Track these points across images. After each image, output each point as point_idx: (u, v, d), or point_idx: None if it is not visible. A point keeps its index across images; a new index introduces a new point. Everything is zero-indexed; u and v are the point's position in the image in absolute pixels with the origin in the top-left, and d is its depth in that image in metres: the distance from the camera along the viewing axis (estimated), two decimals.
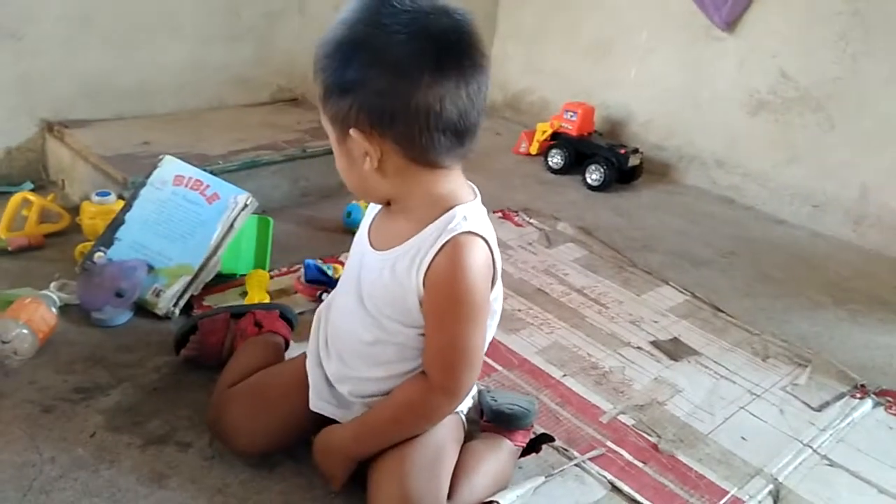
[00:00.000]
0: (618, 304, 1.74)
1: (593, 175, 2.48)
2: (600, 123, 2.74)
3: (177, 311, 1.45)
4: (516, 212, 2.18)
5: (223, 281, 1.56)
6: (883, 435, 1.38)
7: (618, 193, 2.47)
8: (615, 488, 1.15)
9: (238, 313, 1.33)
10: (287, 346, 1.31)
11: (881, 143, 2.18)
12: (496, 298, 1.01)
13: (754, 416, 1.38)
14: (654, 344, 1.58)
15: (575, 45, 2.90)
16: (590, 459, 1.20)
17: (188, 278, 1.46)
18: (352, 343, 1.04)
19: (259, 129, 2.16)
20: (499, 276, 0.98)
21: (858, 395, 1.47)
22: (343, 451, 1.03)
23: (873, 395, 1.48)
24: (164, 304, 1.44)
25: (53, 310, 1.33)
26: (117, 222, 1.54)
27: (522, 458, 1.17)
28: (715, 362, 1.54)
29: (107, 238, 1.52)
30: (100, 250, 1.50)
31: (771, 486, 1.20)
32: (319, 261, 1.63)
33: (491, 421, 1.15)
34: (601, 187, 2.46)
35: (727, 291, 1.87)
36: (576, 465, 1.19)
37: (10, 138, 1.98)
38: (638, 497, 1.13)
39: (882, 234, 2.22)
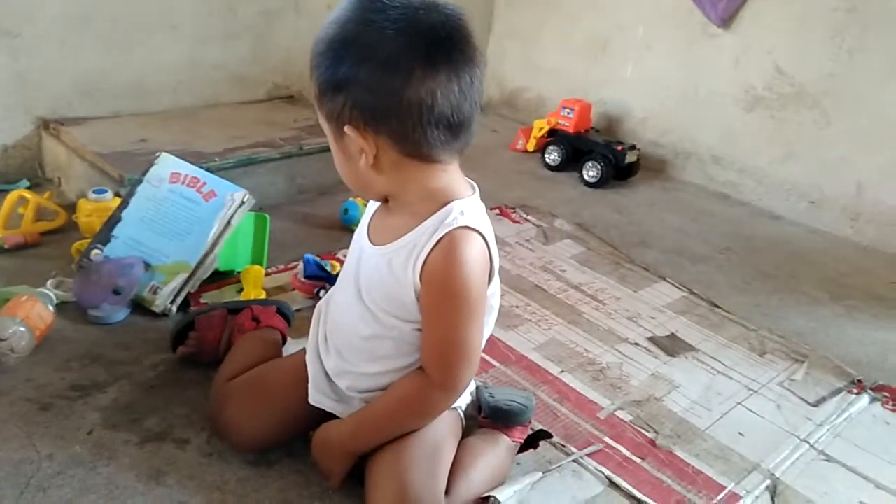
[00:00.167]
0: (615, 300, 1.74)
1: (590, 172, 2.48)
2: (597, 120, 2.74)
3: (174, 309, 1.45)
4: (513, 208, 2.19)
5: (220, 278, 1.56)
6: (879, 430, 1.38)
7: (615, 190, 2.47)
8: (613, 484, 1.15)
9: (235, 309, 1.33)
10: (284, 341, 1.31)
11: (877, 139, 2.18)
12: (493, 295, 1.01)
13: (751, 411, 1.38)
14: (652, 340, 1.59)
15: (571, 42, 2.90)
16: (587, 455, 1.20)
17: (185, 275, 1.46)
18: (350, 338, 1.04)
19: (256, 127, 2.16)
20: (496, 272, 0.98)
21: (855, 391, 1.48)
22: (341, 446, 1.03)
23: (870, 391, 1.48)
24: (161, 301, 1.44)
25: (50, 307, 1.33)
26: (114, 220, 1.54)
27: (520, 454, 1.17)
28: (712, 358, 1.54)
29: (103, 235, 1.52)
30: (96, 248, 1.50)
31: (768, 482, 1.20)
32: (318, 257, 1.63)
33: (489, 417, 1.15)
34: (598, 184, 2.46)
35: (724, 287, 1.87)
36: (573, 460, 1.19)
37: (7, 136, 1.97)
38: (635, 492, 1.13)
39: (878, 230, 2.23)
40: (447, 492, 0.98)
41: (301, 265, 1.58)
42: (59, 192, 1.94)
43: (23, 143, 2.00)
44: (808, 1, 2.25)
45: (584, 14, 2.85)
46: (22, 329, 1.24)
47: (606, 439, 1.25)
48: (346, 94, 0.87)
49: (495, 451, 1.10)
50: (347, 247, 1.75)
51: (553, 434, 1.22)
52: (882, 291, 1.95)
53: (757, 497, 1.17)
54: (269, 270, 1.63)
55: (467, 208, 0.94)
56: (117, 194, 1.67)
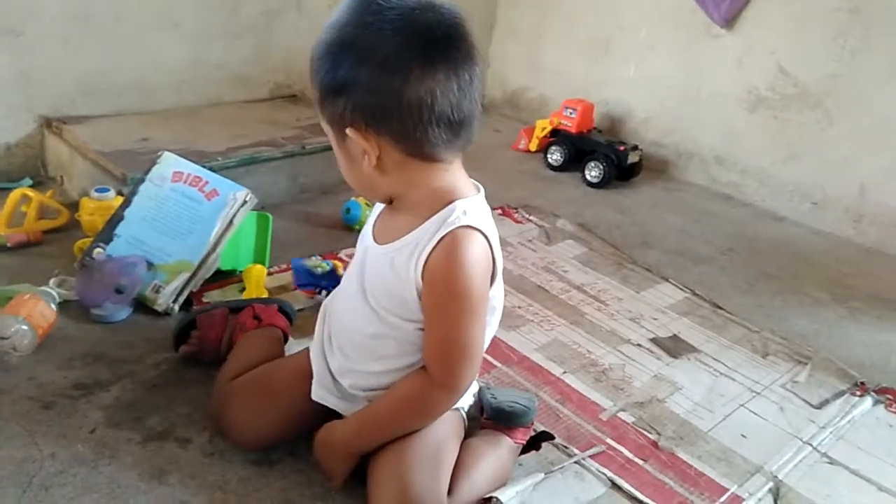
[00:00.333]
0: (617, 301, 1.74)
1: (593, 172, 2.47)
2: (600, 120, 2.74)
3: (176, 308, 1.44)
4: (516, 208, 2.18)
5: (222, 277, 1.56)
6: (883, 433, 1.38)
7: (617, 190, 2.47)
8: (615, 485, 1.15)
9: (236, 308, 1.33)
10: (286, 339, 1.31)
11: (880, 139, 2.18)
12: (496, 296, 1.01)
13: (754, 413, 1.38)
14: (654, 341, 1.58)
15: (574, 42, 2.90)
16: (590, 456, 1.20)
17: (187, 275, 1.46)
18: (354, 336, 1.04)
19: (258, 126, 2.16)
20: (499, 272, 0.98)
21: (858, 393, 1.48)
22: (343, 446, 1.03)
23: (873, 393, 1.48)
24: (163, 300, 1.44)
25: (53, 306, 1.33)
26: (116, 218, 1.53)
27: (522, 456, 1.17)
28: (714, 359, 1.54)
29: (106, 234, 1.52)
30: (99, 246, 1.50)
31: (771, 484, 1.20)
32: (313, 258, 1.63)
33: (491, 418, 1.15)
34: (600, 184, 2.46)
35: (726, 288, 1.87)
36: (575, 462, 1.19)
37: (9, 134, 1.97)
38: (637, 494, 1.13)
39: (881, 232, 2.22)
40: (449, 492, 0.98)
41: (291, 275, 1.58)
42: (61, 190, 1.94)
43: (26, 142, 2.00)
44: (810, 1, 2.25)
45: (587, 14, 2.84)
46: (24, 327, 1.24)
47: (609, 441, 1.25)
48: (346, 97, 0.88)
49: (497, 452, 1.10)
50: (350, 246, 1.79)
51: (555, 435, 1.22)
52: (885, 293, 1.95)
53: (759, 499, 1.16)
54: (272, 270, 1.63)
55: (470, 208, 0.94)
56: (120, 193, 1.67)
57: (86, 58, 2.02)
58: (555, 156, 2.59)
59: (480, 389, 1.18)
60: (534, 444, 1.19)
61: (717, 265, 2.01)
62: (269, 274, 1.60)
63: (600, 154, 2.48)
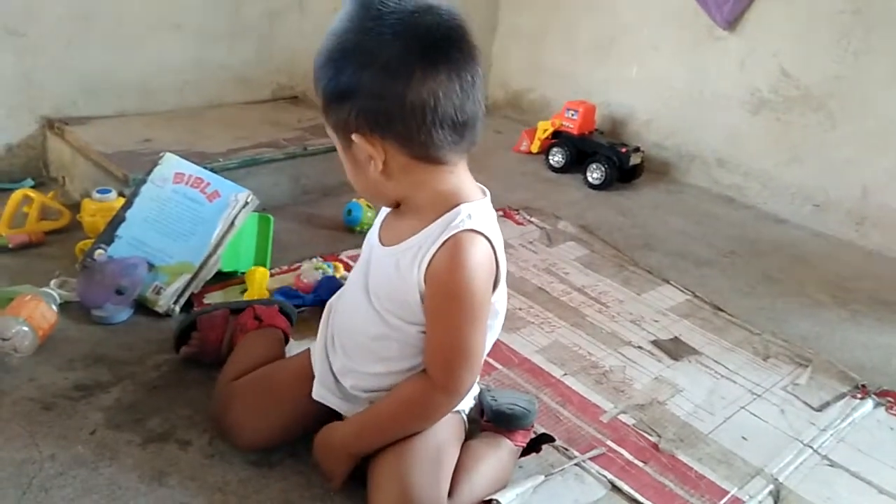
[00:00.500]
0: (618, 303, 1.74)
1: (594, 174, 2.47)
2: (601, 122, 2.74)
3: (177, 309, 1.45)
4: (517, 210, 2.18)
5: (224, 279, 1.56)
6: (884, 435, 1.37)
7: (619, 192, 2.47)
8: (615, 488, 1.15)
9: (237, 309, 1.33)
10: (287, 340, 1.31)
11: (883, 142, 2.18)
12: (499, 300, 1.01)
13: (755, 415, 1.38)
14: (655, 343, 1.58)
15: (576, 43, 2.90)
16: (590, 459, 1.20)
17: (189, 276, 1.46)
18: (356, 337, 1.05)
19: (259, 127, 2.16)
20: (503, 277, 0.98)
21: (859, 396, 1.47)
22: (343, 447, 1.03)
23: (874, 396, 1.48)
24: (164, 301, 1.44)
25: (54, 307, 1.33)
26: (118, 220, 1.54)
27: (522, 458, 1.17)
28: (715, 362, 1.54)
29: (107, 235, 1.52)
30: (100, 248, 1.50)
31: (771, 487, 1.20)
32: (314, 259, 1.63)
33: (491, 421, 1.15)
34: (602, 186, 2.46)
35: (728, 291, 1.86)
36: (576, 464, 1.18)
37: (11, 135, 1.98)
38: (638, 497, 1.13)
39: (883, 235, 2.22)
40: (449, 494, 0.98)
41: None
42: (63, 191, 1.94)
43: (27, 143, 2.01)
44: (813, 3, 2.25)
45: (589, 15, 2.84)
46: (25, 329, 1.24)
47: (609, 443, 1.25)
48: (350, 103, 0.88)
49: (498, 454, 1.10)
50: (351, 248, 1.79)
51: (556, 438, 1.22)
52: (887, 296, 1.94)
53: (760, 502, 1.16)
54: (273, 271, 1.63)
55: (475, 212, 0.94)
56: (121, 194, 1.67)
57: (88, 58, 2.03)
58: (556, 157, 2.59)
59: (481, 392, 1.18)
60: (534, 446, 1.19)
61: (719, 267, 2.00)
62: (271, 275, 1.60)
63: (602, 156, 2.47)
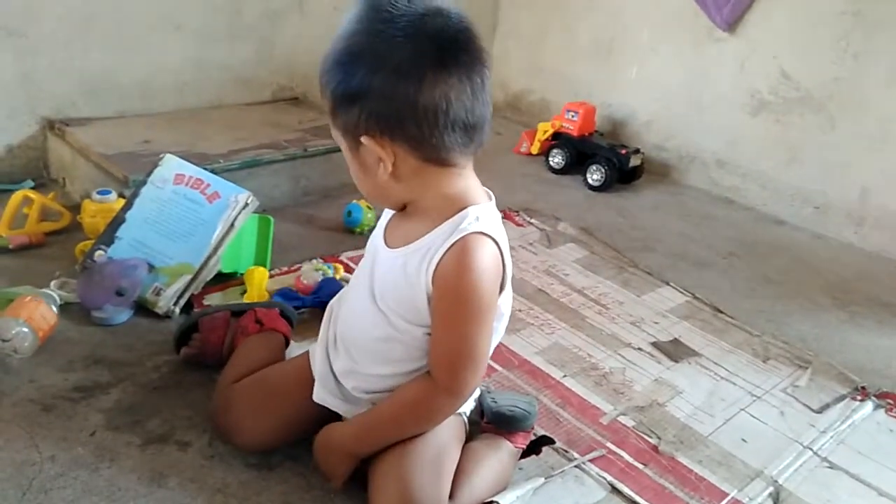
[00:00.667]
0: (618, 304, 1.74)
1: (594, 175, 2.47)
2: (601, 123, 2.74)
3: (177, 310, 1.45)
4: (517, 212, 2.18)
5: (223, 280, 1.56)
6: (883, 438, 1.37)
7: (618, 194, 2.47)
8: (615, 490, 1.15)
9: (238, 311, 1.33)
10: (287, 344, 1.31)
11: (882, 144, 2.18)
12: (504, 302, 1.01)
13: (754, 417, 1.38)
14: (655, 345, 1.58)
15: (576, 45, 2.90)
16: (590, 461, 1.20)
17: (188, 277, 1.46)
18: (361, 339, 1.05)
19: (260, 128, 2.16)
20: (509, 280, 0.99)
21: (859, 398, 1.47)
22: (344, 448, 1.03)
23: (874, 398, 1.48)
24: (164, 303, 1.44)
25: (54, 308, 1.33)
26: (118, 221, 1.54)
27: (522, 460, 1.17)
28: (715, 364, 1.54)
29: (107, 236, 1.52)
30: (100, 249, 1.50)
31: (771, 489, 1.20)
32: (314, 261, 1.63)
33: (491, 422, 1.15)
34: (602, 187, 2.46)
35: (728, 292, 1.86)
36: (576, 466, 1.18)
37: (12, 136, 1.98)
38: (638, 499, 1.13)
39: (883, 236, 2.22)
40: (450, 496, 0.98)
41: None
42: (63, 192, 1.94)
43: (28, 144, 2.01)
44: (813, 5, 2.25)
45: (589, 17, 2.84)
46: (25, 330, 1.24)
47: (609, 445, 1.25)
48: (360, 105, 0.88)
49: (498, 456, 1.10)
50: (351, 249, 1.79)
51: (555, 439, 1.22)
52: (886, 298, 1.95)
53: None
54: (273, 272, 1.63)
55: (483, 214, 0.95)
56: (121, 195, 1.67)
57: (88, 59, 2.03)
58: (556, 159, 2.59)
59: (481, 393, 1.18)
60: (534, 448, 1.19)
61: (719, 269, 2.01)
62: (271, 276, 1.60)
63: (602, 157, 2.48)
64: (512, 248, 1.91)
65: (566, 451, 1.21)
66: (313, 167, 2.06)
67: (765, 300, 1.85)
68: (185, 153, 1.70)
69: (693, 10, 2.49)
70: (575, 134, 2.58)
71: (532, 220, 2.14)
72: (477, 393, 1.16)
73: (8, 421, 1.12)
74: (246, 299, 1.51)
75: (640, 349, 1.56)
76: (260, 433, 1.09)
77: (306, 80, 2.50)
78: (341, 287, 1.18)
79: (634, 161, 2.48)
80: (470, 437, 1.12)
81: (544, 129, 2.68)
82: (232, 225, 1.51)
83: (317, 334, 1.15)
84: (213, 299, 1.51)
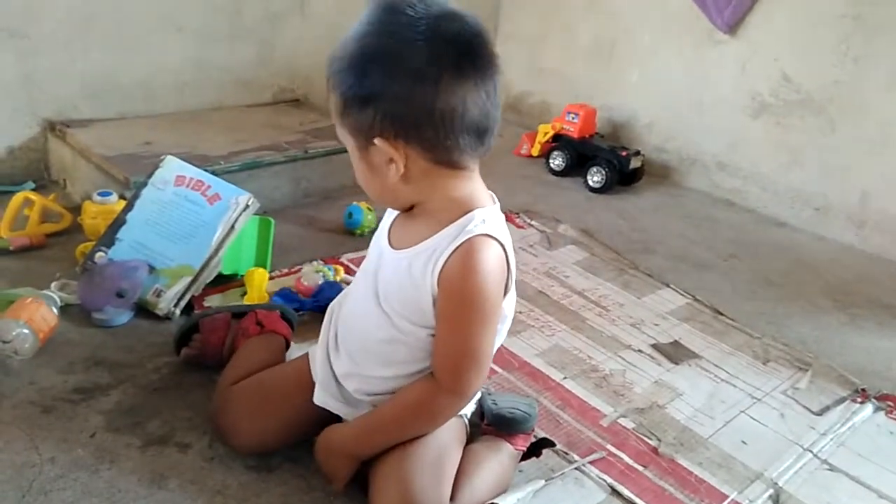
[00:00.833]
0: (618, 306, 1.74)
1: (595, 177, 2.48)
2: (602, 125, 2.74)
3: (177, 312, 1.45)
4: (517, 213, 2.18)
5: (224, 281, 1.56)
6: (883, 440, 1.37)
7: (619, 196, 2.47)
8: (615, 492, 1.15)
9: (239, 313, 1.33)
10: (287, 346, 1.31)
11: (883, 146, 2.18)
12: (508, 304, 1.02)
13: (755, 419, 1.38)
14: (655, 347, 1.58)
15: (577, 47, 2.90)
16: (590, 463, 1.20)
17: (189, 279, 1.46)
18: (364, 341, 1.05)
19: (261, 130, 2.16)
20: (513, 282, 0.99)
21: (859, 400, 1.47)
22: (345, 449, 1.03)
23: (874, 400, 1.48)
24: (164, 304, 1.44)
25: (54, 310, 1.33)
26: (119, 222, 1.54)
27: (522, 462, 1.17)
28: (715, 366, 1.54)
29: (108, 238, 1.52)
30: (101, 250, 1.50)
31: (771, 491, 1.20)
32: (315, 262, 1.63)
33: (492, 424, 1.15)
34: (602, 189, 2.46)
35: (728, 294, 1.86)
36: (576, 468, 1.18)
37: (13, 137, 1.98)
38: (638, 501, 1.13)
39: (884, 238, 2.22)
40: (450, 498, 0.98)
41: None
42: (64, 194, 1.94)
43: (29, 145, 2.01)
44: (814, 8, 2.25)
45: (590, 19, 2.84)
46: (26, 331, 1.24)
47: (609, 447, 1.25)
48: (375, 107, 0.88)
49: (498, 458, 1.10)
50: (351, 251, 1.79)
51: (556, 442, 1.22)
52: (887, 300, 1.94)
53: None
54: (273, 274, 1.63)
55: (489, 217, 0.95)
56: (122, 197, 1.67)
57: (89, 61, 2.03)
58: (557, 161, 2.59)
59: (482, 395, 1.18)
60: (534, 450, 1.19)
61: (719, 271, 2.01)
62: (271, 278, 1.60)
63: (602, 159, 2.48)
64: (513, 250, 1.93)
65: (566, 453, 1.21)
66: (314, 169, 2.06)
67: (765, 302, 1.85)
68: (186, 155, 1.70)
69: (694, 13, 2.49)
70: (575, 136, 2.58)
71: (532, 222, 2.14)
72: (478, 395, 1.16)
73: (8, 422, 1.12)
74: (246, 301, 1.51)
75: (640, 351, 1.56)
76: (258, 435, 1.09)
77: (307, 81, 2.50)
78: (342, 290, 1.18)
79: (635, 163, 2.48)
80: (470, 439, 1.12)
81: (545, 131, 2.68)
82: (232, 227, 1.51)
83: (317, 337, 1.15)
84: (214, 301, 1.52)
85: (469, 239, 0.92)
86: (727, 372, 1.52)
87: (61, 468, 1.05)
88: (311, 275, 1.58)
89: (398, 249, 0.99)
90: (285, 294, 1.52)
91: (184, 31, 2.19)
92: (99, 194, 1.67)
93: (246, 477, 1.07)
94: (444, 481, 0.99)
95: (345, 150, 0.98)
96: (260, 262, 1.63)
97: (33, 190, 1.83)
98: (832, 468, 1.28)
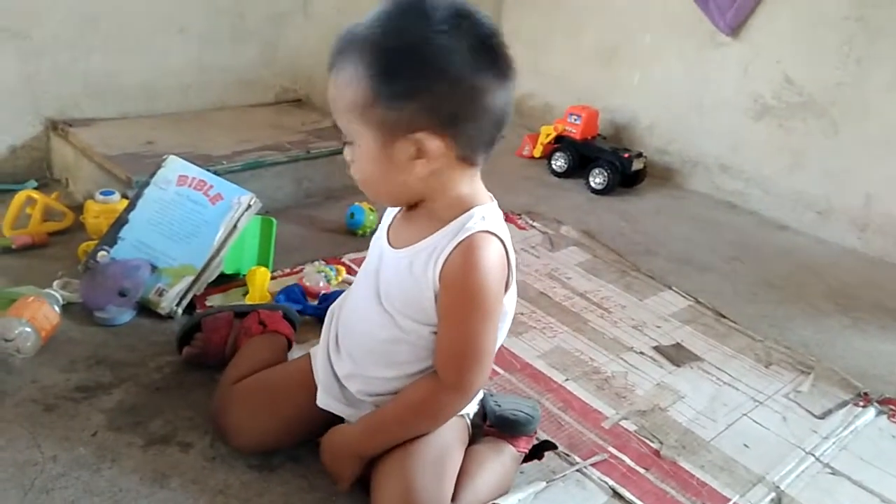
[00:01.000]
0: (620, 308, 1.74)
1: (597, 179, 2.47)
2: (604, 127, 2.73)
3: (179, 311, 1.45)
4: (519, 215, 2.18)
5: (226, 281, 1.56)
6: (886, 444, 1.37)
7: (621, 197, 2.47)
8: (616, 494, 1.15)
9: (241, 312, 1.33)
10: (290, 346, 1.31)
11: (886, 149, 2.17)
12: (508, 302, 1.02)
13: (757, 423, 1.38)
14: (657, 349, 1.58)
15: (579, 48, 2.90)
16: (591, 465, 1.20)
17: (191, 278, 1.46)
18: (365, 341, 1.05)
19: (263, 130, 2.16)
20: (514, 279, 1.00)
21: (861, 404, 1.47)
22: (350, 449, 1.03)
23: (876, 404, 1.47)
24: (166, 303, 1.44)
25: (56, 308, 1.33)
26: (121, 221, 1.54)
27: (524, 463, 1.17)
28: (717, 368, 1.54)
29: (110, 237, 1.52)
30: (103, 249, 1.50)
31: (773, 494, 1.19)
32: (317, 263, 1.63)
33: (494, 426, 1.15)
34: (604, 191, 2.46)
35: (730, 297, 1.86)
36: (577, 470, 1.18)
37: (15, 136, 1.98)
38: (639, 503, 1.13)
39: (886, 241, 2.22)
40: (452, 498, 0.98)
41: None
42: (66, 193, 1.94)
43: (31, 144, 2.01)
44: (817, 10, 2.25)
45: (593, 20, 2.84)
46: (28, 330, 1.24)
47: (611, 449, 1.25)
48: (417, 101, 0.87)
49: (500, 459, 1.10)
50: (353, 251, 1.79)
51: (558, 445, 1.22)
52: (890, 303, 1.94)
53: None
54: (275, 274, 1.63)
55: (488, 214, 0.96)
56: (124, 196, 1.67)
57: (92, 60, 2.03)
58: (559, 162, 2.59)
59: (484, 396, 1.18)
60: (536, 452, 1.19)
61: (721, 273, 2.00)
62: (273, 278, 1.60)
63: (604, 161, 2.47)
64: (514, 251, 1.93)
65: (568, 455, 1.21)
66: (316, 169, 2.06)
67: (767, 305, 1.85)
68: (189, 154, 1.70)
69: (696, 15, 2.49)
70: (577, 137, 2.58)
71: (534, 224, 2.14)
72: (480, 395, 1.16)
73: (10, 421, 1.12)
74: (248, 300, 1.51)
75: (642, 353, 1.56)
76: (258, 434, 1.09)
77: (310, 82, 2.50)
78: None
79: (637, 165, 2.48)
80: (472, 440, 1.12)
81: (547, 133, 2.68)
82: (234, 226, 1.51)
83: (318, 336, 1.14)
84: (216, 300, 1.52)
85: (470, 235, 0.92)
86: (729, 375, 1.52)
87: (63, 467, 1.05)
88: (313, 275, 1.59)
89: (399, 248, 0.99)
90: (292, 291, 1.52)
91: (186, 32, 2.19)
92: (101, 193, 1.67)
93: (248, 476, 1.07)
94: (446, 480, 0.99)
95: (343, 151, 0.97)
96: (262, 262, 1.63)
97: (36, 189, 1.84)
98: (834, 472, 1.27)
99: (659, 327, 1.67)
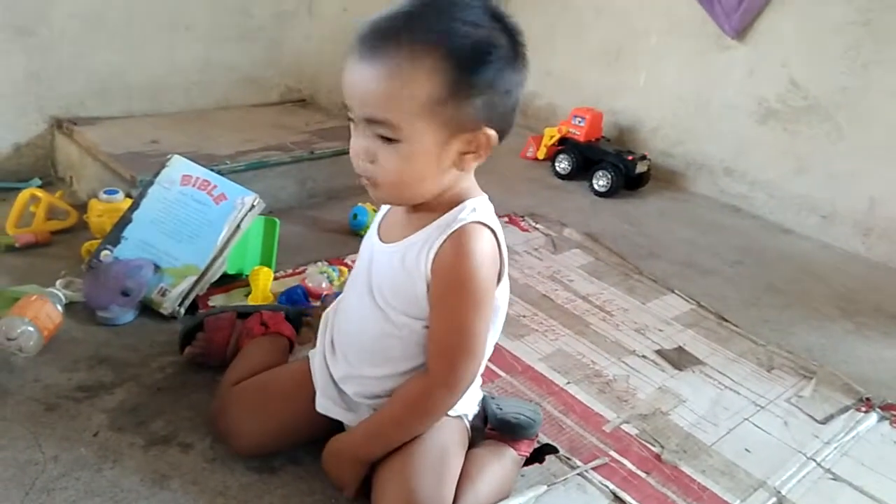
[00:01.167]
0: (623, 311, 1.73)
1: (600, 181, 2.47)
2: (608, 129, 2.73)
3: (182, 311, 1.45)
4: (522, 217, 2.18)
5: (228, 281, 1.56)
6: (887, 449, 1.37)
7: (625, 200, 2.46)
8: (617, 498, 1.14)
9: (244, 313, 1.33)
10: (291, 348, 1.31)
11: (890, 154, 2.17)
12: (501, 296, 1.02)
13: (758, 427, 1.37)
14: (659, 353, 1.58)
15: (584, 50, 2.90)
16: (592, 469, 1.20)
17: (194, 278, 1.46)
18: (358, 340, 1.05)
19: (267, 130, 2.17)
20: (506, 271, 1.00)
21: (863, 409, 1.47)
22: (351, 454, 1.03)
23: (878, 409, 1.47)
24: (169, 303, 1.44)
25: (59, 307, 1.33)
26: (124, 221, 1.54)
27: (525, 467, 1.16)
28: (720, 372, 1.53)
29: (114, 236, 1.52)
30: (106, 249, 1.51)
31: (774, 500, 1.19)
32: (319, 263, 1.63)
33: (496, 429, 1.15)
34: (608, 193, 2.45)
35: (733, 301, 1.86)
36: (578, 474, 1.18)
37: (20, 134, 1.98)
38: None
39: (891, 247, 2.21)
40: (453, 501, 0.98)
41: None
42: (70, 191, 1.95)
43: (35, 142, 2.01)
44: (823, 14, 2.24)
45: (597, 22, 2.84)
46: (30, 329, 1.24)
47: (612, 453, 1.24)
48: (485, 97, 0.88)
49: (501, 462, 1.10)
50: (356, 252, 1.77)
51: (559, 449, 1.22)
52: (893, 308, 1.94)
53: None
54: (278, 274, 1.63)
55: (479, 206, 0.97)
56: (128, 195, 1.67)
57: (97, 59, 2.04)
58: (562, 164, 2.59)
59: (485, 399, 1.18)
60: (537, 456, 1.19)
61: (724, 277, 2.00)
62: (276, 278, 1.60)
63: (608, 163, 2.47)
64: (517, 252, 1.94)
65: (569, 459, 1.21)
66: (320, 169, 2.06)
67: (770, 309, 1.85)
68: (193, 154, 1.70)
69: (702, 17, 2.48)
70: (581, 139, 2.58)
71: (537, 226, 2.14)
72: (480, 397, 1.16)
73: (11, 420, 1.12)
74: (250, 300, 1.51)
75: (644, 357, 1.56)
76: (255, 436, 1.09)
77: (314, 81, 2.50)
78: None
79: (641, 167, 2.48)
80: (473, 444, 1.12)
81: (551, 135, 2.68)
82: (238, 226, 1.51)
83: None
84: (218, 300, 1.52)
85: (462, 226, 0.93)
86: (731, 379, 1.51)
87: (64, 467, 1.05)
88: (316, 275, 1.59)
89: (391, 243, 1.00)
90: (294, 292, 1.52)
91: (192, 30, 2.20)
92: (105, 192, 1.67)
93: (247, 478, 1.07)
94: (447, 484, 0.98)
95: (347, 151, 0.95)
96: (265, 262, 1.63)
97: (39, 187, 1.84)
98: (836, 477, 1.27)
99: (661, 331, 1.67)
